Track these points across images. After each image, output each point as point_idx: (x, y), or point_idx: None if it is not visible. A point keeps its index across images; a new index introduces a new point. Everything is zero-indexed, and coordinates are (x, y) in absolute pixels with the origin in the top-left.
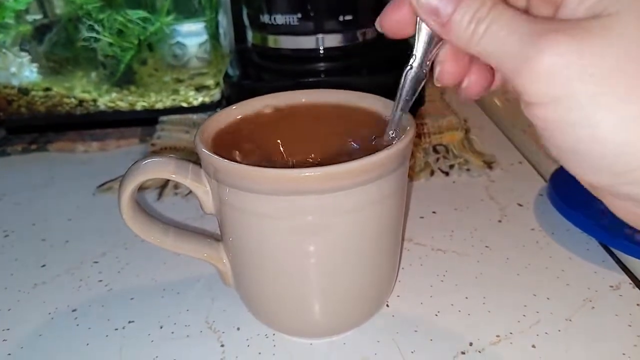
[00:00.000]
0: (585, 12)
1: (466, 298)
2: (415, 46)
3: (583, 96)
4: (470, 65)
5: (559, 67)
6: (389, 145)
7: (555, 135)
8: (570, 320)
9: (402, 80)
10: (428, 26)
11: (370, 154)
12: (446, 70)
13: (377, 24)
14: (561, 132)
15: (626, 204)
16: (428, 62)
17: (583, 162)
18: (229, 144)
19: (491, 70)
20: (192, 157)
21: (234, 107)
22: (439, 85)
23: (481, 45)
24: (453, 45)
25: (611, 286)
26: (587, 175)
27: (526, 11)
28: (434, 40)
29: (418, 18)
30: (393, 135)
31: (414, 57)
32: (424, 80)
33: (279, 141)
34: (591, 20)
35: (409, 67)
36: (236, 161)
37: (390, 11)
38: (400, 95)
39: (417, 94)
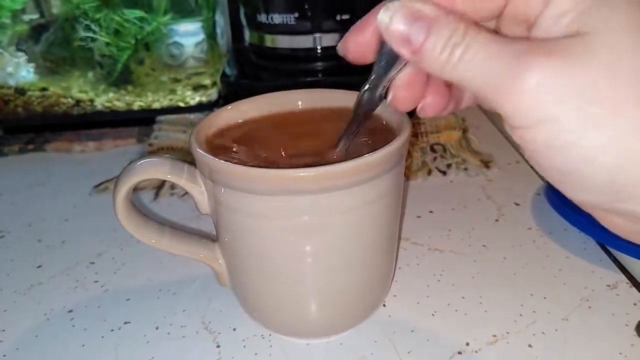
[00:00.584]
0: (560, 31)
1: (463, 298)
2: (375, 67)
3: (570, 117)
4: (425, 89)
5: (543, 88)
6: (338, 156)
7: (544, 158)
8: (567, 320)
9: (358, 100)
10: (398, 54)
11: (367, 154)
12: (400, 96)
13: (339, 49)
14: (550, 154)
15: (618, 219)
16: (386, 84)
17: (574, 182)
18: (224, 144)
19: (448, 93)
20: (189, 158)
21: (229, 107)
22: (390, 109)
23: (457, 72)
24: (413, 71)
25: (608, 285)
26: (579, 195)
27: (496, 32)
28: (395, 64)
29: (380, 40)
30: (341, 153)
31: (372, 77)
32: (379, 103)
33: (274, 141)
34: (569, 39)
35: (365, 88)
36: (231, 161)
37: (353, 35)
38: (355, 115)
39: (370, 116)
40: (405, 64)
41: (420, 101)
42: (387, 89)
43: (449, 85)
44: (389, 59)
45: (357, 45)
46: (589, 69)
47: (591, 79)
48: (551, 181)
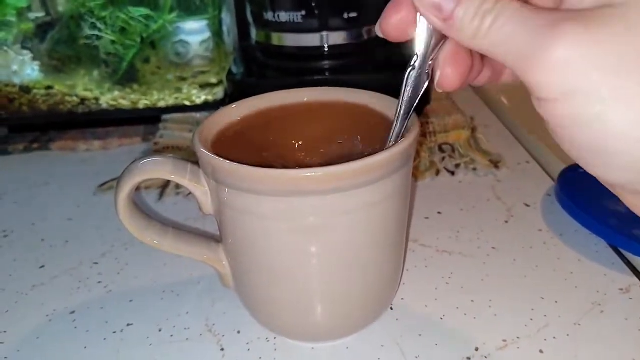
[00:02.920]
0: (592, 2)
1: (472, 301)
2: (416, 46)
3: (601, 89)
4: (471, 64)
5: (573, 58)
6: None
7: (571, 133)
8: (579, 325)
9: (404, 82)
10: (430, 23)
11: (373, 154)
12: (447, 75)
13: (377, 29)
14: (577, 128)
15: None
16: (430, 62)
17: (602, 159)
18: (228, 144)
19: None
20: (195, 157)
21: (234, 106)
22: (440, 91)
23: (487, 41)
24: (454, 45)
25: (621, 289)
26: (606, 173)
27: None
28: (436, 39)
29: (419, 16)
30: (396, 138)
31: (415, 57)
32: (427, 82)
33: (280, 140)
34: (601, 9)
35: (410, 67)
36: (235, 161)
37: (390, 13)
38: (403, 97)
39: (419, 96)
40: (446, 40)
41: (467, 78)
42: (433, 70)
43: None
44: (429, 34)
45: (395, 24)
46: (622, 40)
47: (624, 50)
48: (577, 159)
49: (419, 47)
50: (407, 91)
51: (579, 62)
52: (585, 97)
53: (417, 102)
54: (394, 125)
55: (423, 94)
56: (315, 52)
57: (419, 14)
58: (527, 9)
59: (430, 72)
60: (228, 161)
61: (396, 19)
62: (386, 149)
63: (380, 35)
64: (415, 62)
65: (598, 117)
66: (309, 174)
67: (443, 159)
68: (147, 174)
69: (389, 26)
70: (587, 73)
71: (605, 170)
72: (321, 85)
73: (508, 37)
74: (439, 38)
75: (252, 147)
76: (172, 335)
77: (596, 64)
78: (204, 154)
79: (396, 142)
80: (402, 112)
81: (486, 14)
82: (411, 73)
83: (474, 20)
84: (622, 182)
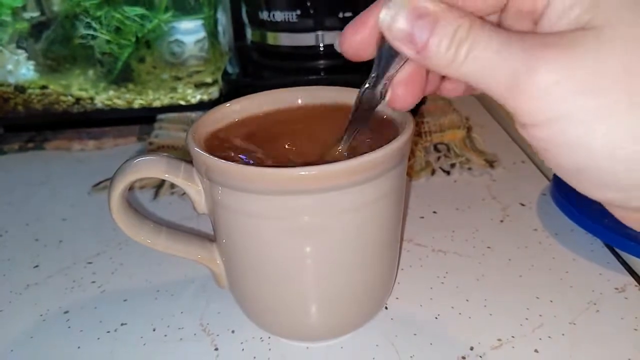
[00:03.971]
0: (568, 24)
1: (467, 300)
2: (375, 65)
3: (584, 111)
4: (425, 86)
5: (554, 83)
6: (338, 157)
7: (557, 155)
8: (574, 324)
9: (357, 99)
10: (402, 53)
11: (367, 152)
12: (399, 94)
13: (336, 44)
14: (563, 151)
15: (638, 215)
16: (387, 82)
17: (591, 179)
18: (222, 143)
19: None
20: (189, 156)
21: (228, 105)
22: (388, 108)
23: (464, 69)
24: (414, 67)
25: (616, 288)
26: (597, 192)
27: (499, 27)
28: (395, 61)
29: (380, 38)
30: (343, 152)
31: (372, 75)
32: (380, 101)
33: (274, 139)
34: (579, 32)
35: (366, 86)
36: (229, 160)
37: (352, 31)
38: (354, 115)
39: (372, 114)
40: (406, 61)
41: (418, 99)
42: (387, 88)
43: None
44: (389, 56)
45: (356, 42)
46: (597, 62)
47: (599, 71)
48: (566, 179)
49: (377, 67)
50: (359, 109)
51: (558, 87)
52: (567, 121)
53: (367, 120)
54: (342, 140)
55: (371, 115)
56: (310, 52)
57: (380, 34)
58: (503, 36)
59: (384, 91)
60: (221, 160)
61: (358, 38)
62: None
63: (339, 51)
64: (371, 81)
65: (580, 140)
66: (303, 173)
67: (438, 158)
68: (141, 172)
69: (349, 44)
70: (567, 97)
71: (592, 188)
72: (316, 85)
73: (485, 65)
74: (400, 61)
75: (247, 145)
76: (166, 335)
77: (575, 87)
78: (197, 152)
79: (345, 156)
80: (350, 128)
81: (461, 43)
82: (365, 91)
83: (449, 50)
84: (609, 200)
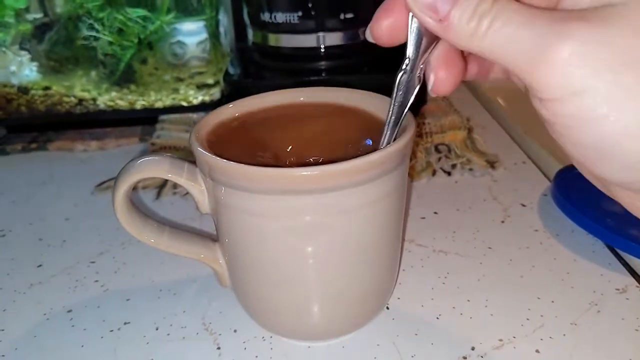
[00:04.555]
0: (590, 2)
1: (468, 301)
2: (407, 48)
3: (607, 88)
4: (464, 66)
5: (577, 58)
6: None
7: (577, 132)
8: (575, 324)
9: (395, 86)
10: (424, 25)
11: (369, 153)
12: (441, 78)
13: (367, 34)
14: (584, 128)
15: None
16: (422, 65)
17: (608, 159)
18: (225, 143)
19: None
20: (191, 157)
21: (231, 106)
22: (434, 95)
23: (485, 43)
24: (446, 47)
25: (617, 289)
26: (611, 173)
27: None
28: (428, 41)
29: (410, 19)
30: (387, 144)
31: (407, 59)
32: (418, 86)
33: (276, 139)
34: (603, 8)
35: (401, 71)
36: (232, 160)
37: (381, 16)
38: (394, 102)
39: (411, 101)
40: (437, 42)
41: (460, 79)
42: (424, 73)
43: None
44: (420, 37)
45: (387, 27)
46: (626, 39)
47: (629, 49)
48: (582, 158)
49: (410, 50)
50: (398, 96)
51: (584, 61)
52: (592, 97)
53: (408, 106)
54: (385, 130)
55: (418, 94)
56: (311, 53)
57: (410, 16)
58: (526, 9)
59: (422, 76)
60: (224, 160)
61: (387, 22)
62: (381, 148)
63: (371, 39)
64: (406, 66)
65: (606, 117)
66: (305, 173)
67: (439, 159)
68: (144, 172)
69: (380, 30)
70: (594, 72)
71: (611, 169)
72: (318, 86)
73: (508, 38)
74: (431, 40)
75: (249, 146)
76: (168, 334)
77: (602, 63)
78: (201, 152)
79: (385, 146)
80: (393, 117)
81: (483, 16)
82: (402, 77)
83: (471, 22)
84: (627, 182)
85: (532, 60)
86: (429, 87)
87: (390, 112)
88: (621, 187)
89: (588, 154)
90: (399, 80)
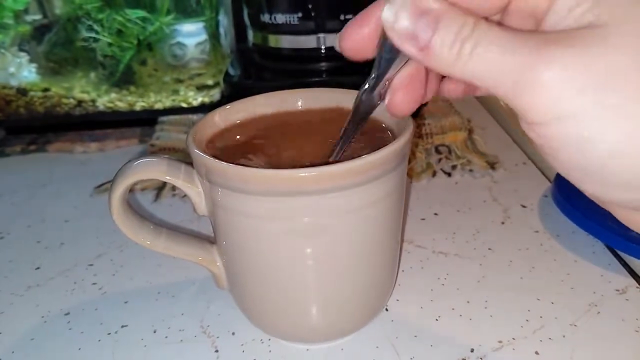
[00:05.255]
0: (573, 23)
1: (468, 302)
2: (375, 65)
3: (592, 110)
4: (424, 92)
5: (561, 82)
6: (338, 160)
7: (564, 154)
8: (575, 326)
9: (356, 101)
10: (404, 52)
11: (369, 153)
12: (398, 100)
13: (336, 44)
14: (570, 150)
15: None
16: (386, 83)
17: (598, 179)
18: (222, 145)
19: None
20: (190, 159)
21: (229, 107)
22: (388, 114)
23: (467, 68)
24: (412, 69)
25: (617, 290)
26: (603, 193)
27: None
28: (396, 62)
29: (382, 36)
30: (336, 156)
31: (372, 77)
32: (379, 103)
33: (274, 141)
34: (585, 30)
35: (365, 88)
36: (229, 161)
37: (353, 28)
38: (352, 116)
39: (369, 116)
40: (406, 63)
41: (418, 104)
42: (386, 90)
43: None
44: (389, 56)
45: (356, 41)
46: (610, 59)
47: (609, 69)
48: (572, 179)
49: (378, 68)
50: (357, 111)
51: (567, 85)
52: (577, 119)
53: (365, 122)
54: (338, 142)
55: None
56: (311, 54)
57: (382, 33)
58: (508, 33)
59: (383, 93)
60: (221, 161)
61: (358, 36)
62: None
63: (338, 50)
64: (371, 83)
65: (591, 138)
66: (302, 174)
67: (439, 160)
68: (141, 174)
69: (350, 43)
70: (577, 95)
71: (602, 189)
72: (317, 87)
73: (490, 63)
74: (400, 61)
75: (247, 147)
76: (166, 337)
77: (583, 85)
78: (197, 154)
79: (337, 160)
80: (348, 131)
81: (465, 41)
82: (363, 95)
83: (453, 48)
84: (618, 200)
85: (516, 85)
86: (385, 105)
87: (346, 125)
88: (615, 205)
89: (576, 175)
90: (361, 98)
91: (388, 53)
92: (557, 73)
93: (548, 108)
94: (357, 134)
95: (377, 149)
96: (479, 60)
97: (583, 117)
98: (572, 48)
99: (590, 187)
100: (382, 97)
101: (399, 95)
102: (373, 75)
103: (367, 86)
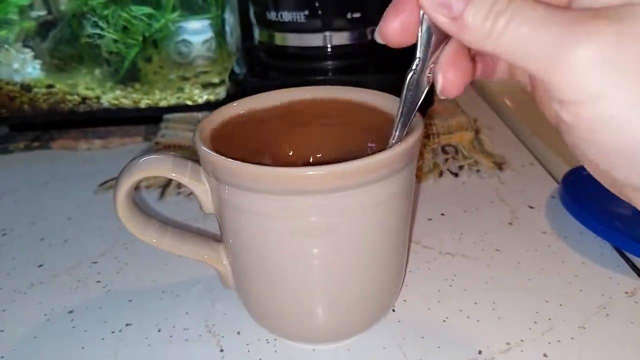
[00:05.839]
0: (606, 1)
1: (475, 303)
2: (417, 48)
3: (628, 91)
4: (472, 68)
5: (600, 59)
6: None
7: (601, 136)
8: (583, 328)
9: (404, 86)
10: (437, 24)
11: (377, 153)
12: (449, 80)
13: (376, 35)
14: (602, 132)
15: None
16: (431, 65)
17: (628, 164)
18: (229, 142)
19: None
20: (196, 156)
21: (235, 104)
22: (443, 98)
23: (501, 43)
24: (455, 48)
25: (626, 292)
26: (633, 179)
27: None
28: (438, 41)
29: (422, 18)
30: (396, 141)
31: (416, 60)
32: (428, 86)
33: (282, 139)
34: (622, 8)
35: (411, 72)
36: (237, 159)
37: (391, 16)
38: (403, 103)
39: (420, 101)
40: (447, 42)
41: (469, 81)
42: (433, 74)
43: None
44: (430, 37)
45: (396, 27)
46: None
47: None
48: (605, 163)
49: (420, 50)
50: (407, 96)
51: (604, 64)
52: (614, 100)
53: (417, 107)
54: (394, 131)
55: (426, 96)
56: (318, 53)
57: (421, 15)
58: (543, 9)
59: (431, 77)
60: (229, 159)
61: (397, 22)
62: (389, 148)
63: (380, 41)
64: (416, 66)
65: (623, 121)
66: (311, 173)
67: (446, 160)
68: (147, 171)
69: (389, 30)
70: (614, 75)
71: (631, 175)
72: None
73: (525, 38)
74: (441, 40)
75: (254, 144)
76: (171, 336)
77: (622, 65)
78: (205, 151)
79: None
80: (402, 118)
81: (499, 15)
82: (412, 77)
83: (486, 22)
84: None
85: (550, 62)
86: (438, 89)
87: (400, 113)
88: None
89: (611, 158)
90: (409, 81)
91: (428, 33)
92: (593, 51)
93: (583, 86)
94: (411, 121)
95: (387, 148)
96: (513, 35)
97: (620, 97)
98: (611, 25)
99: (624, 173)
100: (429, 80)
101: (449, 74)
102: (417, 60)
103: (413, 72)
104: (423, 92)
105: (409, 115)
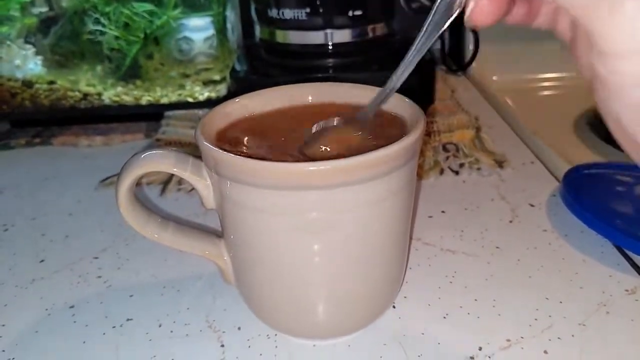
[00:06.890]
0: None
1: (476, 300)
2: None
3: None
4: (510, 3)
5: None
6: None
7: (634, 92)
8: (584, 325)
9: (435, 7)
10: None
11: (379, 148)
12: (482, 6)
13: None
14: None
15: None
16: None
17: None
18: (231, 137)
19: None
20: (197, 153)
21: (237, 100)
22: (469, 26)
23: None
24: None
25: (626, 290)
26: None
27: None
28: None
29: None
30: (404, 69)
31: None
32: (457, 11)
33: (283, 135)
34: None
35: None
36: (238, 154)
37: None
38: (428, 24)
39: (445, 27)
40: None
41: (501, 16)
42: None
43: None
44: None
45: None
46: None
47: None
48: (629, 124)
49: None
50: (433, 19)
51: None
52: None
53: (440, 33)
54: (408, 54)
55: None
56: (319, 50)
57: None
58: None
59: (463, 2)
60: (230, 154)
61: None
62: (396, 140)
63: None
64: None
65: None
66: (313, 168)
67: (447, 158)
68: (149, 166)
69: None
70: None
71: None
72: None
73: None
74: None
75: (256, 140)
76: (172, 331)
77: None
78: (206, 146)
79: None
80: (421, 41)
81: None
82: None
83: None
84: None
85: (596, 8)
86: (467, 13)
87: (421, 35)
88: None
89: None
90: (439, 4)
91: None
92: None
93: (629, 39)
94: (428, 47)
95: (388, 144)
96: None
97: None
98: None
99: None
100: (460, 5)
101: (484, 2)
102: None
103: None
104: (451, 18)
105: (428, 40)
